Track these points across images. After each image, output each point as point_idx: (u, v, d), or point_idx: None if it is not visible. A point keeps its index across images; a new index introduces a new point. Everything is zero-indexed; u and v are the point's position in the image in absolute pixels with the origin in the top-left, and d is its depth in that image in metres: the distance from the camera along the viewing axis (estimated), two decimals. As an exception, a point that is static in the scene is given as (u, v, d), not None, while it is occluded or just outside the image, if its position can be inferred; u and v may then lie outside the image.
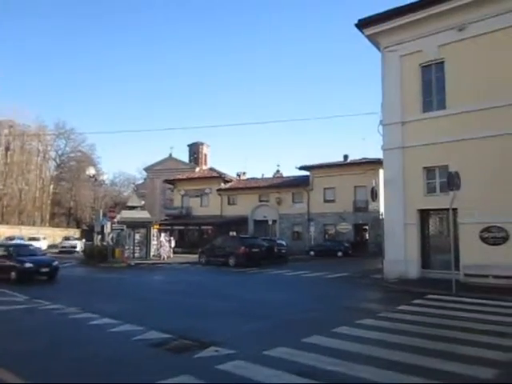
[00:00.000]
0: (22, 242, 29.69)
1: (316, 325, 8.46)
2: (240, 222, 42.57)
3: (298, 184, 42.68)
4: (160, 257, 28.45)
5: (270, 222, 41.49)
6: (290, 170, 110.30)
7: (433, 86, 15.95)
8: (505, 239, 13.76)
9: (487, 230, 14.07)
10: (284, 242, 32.93)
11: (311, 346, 6.75)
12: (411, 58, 16.22)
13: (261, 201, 44.28)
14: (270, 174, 58.40)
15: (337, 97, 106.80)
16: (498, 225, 13.87)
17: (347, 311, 10.19)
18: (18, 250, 17.43)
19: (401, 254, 15.69)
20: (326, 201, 40.15)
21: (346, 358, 6.04)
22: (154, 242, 29.11)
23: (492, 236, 13.97)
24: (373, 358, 6.14)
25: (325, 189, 40.19)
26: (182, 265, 25.83)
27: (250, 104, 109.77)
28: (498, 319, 8.87)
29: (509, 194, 13.57)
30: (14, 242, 28.39)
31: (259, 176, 53.70)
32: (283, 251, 29.74)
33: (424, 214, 15.99)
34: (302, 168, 41.88)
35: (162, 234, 30.43)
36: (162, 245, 29.15)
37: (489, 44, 14.49)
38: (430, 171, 15.73)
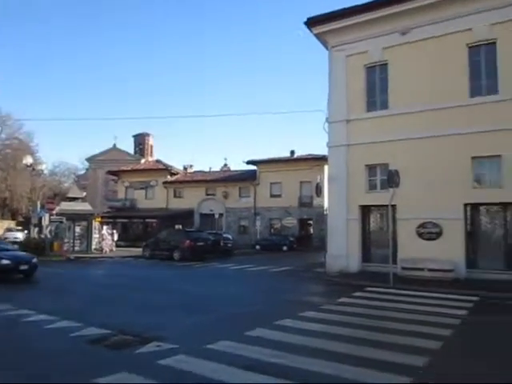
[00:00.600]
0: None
1: (259, 318, 8.53)
2: (186, 216, 42.12)
3: (244, 178, 42.86)
4: (102, 250, 27.53)
5: (217, 216, 41.39)
6: (238, 165, 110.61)
7: (377, 86, 16.49)
8: (439, 234, 14.55)
9: (423, 225, 14.82)
10: (230, 236, 32.98)
11: (255, 339, 6.80)
12: (357, 59, 16.68)
13: (208, 194, 44.05)
14: (217, 168, 58.16)
15: (288, 91, 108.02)
16: (433, 221, 14.65)
17: (290, 304, 10.37)
18: None
19: (343, 248, 16.19)
20: (272, 195, 40.64)
21: (289, 350, 6.14)
22: (95, 235, 28.08)
23: (427, 231, 14.74)
24: (314, 349, 6.29)
25: (271, 184, 40.66)
26: (125, 258, 25.19)
27: (201, 97, 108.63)
28: (431, 310, 9.40)
29: (443, 191, 14.35)
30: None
31: (206, 169, 53.34)
32: (229, 245, 29.78)
33: (365, 210, 16.58)
34: (249, 162, 42.09)
35: (105, 227, 29.42)
36: (104, 238, 28.21)
37: (431, 49, 15.17)
38: (371, 169, 16.31)
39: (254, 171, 42.31)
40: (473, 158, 14.27)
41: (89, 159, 68.80)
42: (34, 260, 14.80)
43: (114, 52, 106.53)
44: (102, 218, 32.63)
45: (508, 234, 14.02)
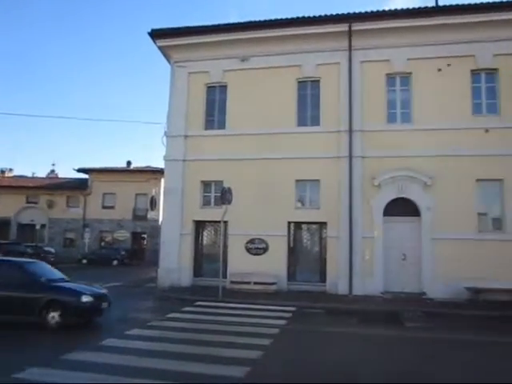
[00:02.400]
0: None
1: (80, 340, 7.92)
2: (0, 226, 37.05)
3: (74, 187, 39.69)
4: None
5: (38, 227, 37.39)
6: (69, 172, 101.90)
7: (216, 106, 17.10)
8: (265, 250, 15.64)
9: (251, 241, 15.77)
10: (53, 249, 30.25)
11: (73, 363, 6.27)
12: (199, 77, 17.09)
13: (28, 202, 39.45)
14: (43, 174, 52.74)
15: (134, 98, 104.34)
16: (261, 237, 15.70)
17: (117, 323, 9.87)
18: (41, 271, 10.13)
19: (175, 262, 16.17)
20: (104, 207, 38.41)
21: (112, 372, 5.81)
22: None
23: (255, 247, 15.72)
24: (136, 368, 6.07)
25: (104, 194, 38.44)
26: None
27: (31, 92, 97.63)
28: (255, 321, 9.97)
29: (271, 210, 15.55)
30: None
31: (29, 174, 47.96)
32: (51, 259, 27.12)
33: (199, 225, 16.88)
34: (80, 170, 39.11)
35: None
36: None
37: (267, 78, 16.39)
38: (207, 185, 16.75)
39: (85, 180, 39.54)
40: (297, 180, 15.79)
41: None
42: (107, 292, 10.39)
43: None
44: None
45: (322, 250, 15.77)
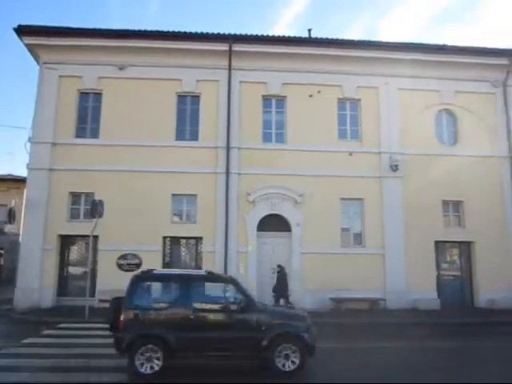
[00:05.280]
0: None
1: None
2: None
3: None
4: None
5: None
6: None
7: (89, 113, 16.13)
8: (138, 266, 14.94)
9: (124, 257, 15.01)
10: None
11: None
12: (71, 81, 15.98)
13: None
14: None
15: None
16: (134, 252, 15.04)
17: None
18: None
19: (36, 281, 14.64)
20: (-48, 219, 33.54)
21: None
22: None
23: (127, 263, 14.98)
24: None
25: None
26: None
27: None
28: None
29: (145, 224, 15.01)
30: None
31: None
32: None
33: (66, 240, 15.59)
34: None
35: None
36: None
37: (146, 89, 15.96)
38: (76, 197, 15.59)
39: None
40: (173, 194, 15.53)
41: None
42: None
43: None
44: None
45: (198, 265, 15.56)
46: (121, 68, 16.09)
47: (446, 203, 16.40)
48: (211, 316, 7.19)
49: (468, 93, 16.89)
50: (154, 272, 8.04)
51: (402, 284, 15.46)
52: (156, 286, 7.88)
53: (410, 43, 16.93)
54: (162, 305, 7.35)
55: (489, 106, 16.99)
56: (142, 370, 6.70)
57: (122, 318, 6.85)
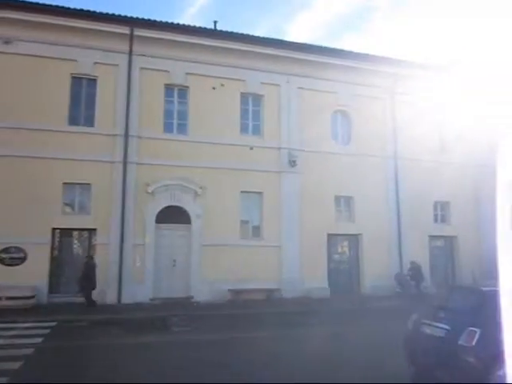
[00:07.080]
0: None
1: None
2: None
3: None
4: None
5: None
6: None
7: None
8: (23, 259, 13.74)
9: (6, 250, 13.66)
10: None
11: None
12: None
13: None
14: None
15: None
16: (18, 245, 13.75)
17: None
18: None
19: None
20: None
21: None
22: None
23: (10, 257, 13.66)
24: None
25: None
26: None
27: None
28: (3, 342, 8.64)
29: (32, 215, 13.74)
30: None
31: None
32: None
33: None
34: None
35: None
36: None
37: (37, 66, 14.57)
38: None
39: None
40: (64, 183, 14.45)
41: None
42: None
43: None
44: None
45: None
46: (6, 42, 14.54)
47: (338, 198, 17.47)
48: None
49: (362, 96, 18.08)
50: None
51: (296, 274, 16.17)
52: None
53: (312, 45, 17.68)
54: None
55: (379, 110, 18.38)
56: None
57: None
